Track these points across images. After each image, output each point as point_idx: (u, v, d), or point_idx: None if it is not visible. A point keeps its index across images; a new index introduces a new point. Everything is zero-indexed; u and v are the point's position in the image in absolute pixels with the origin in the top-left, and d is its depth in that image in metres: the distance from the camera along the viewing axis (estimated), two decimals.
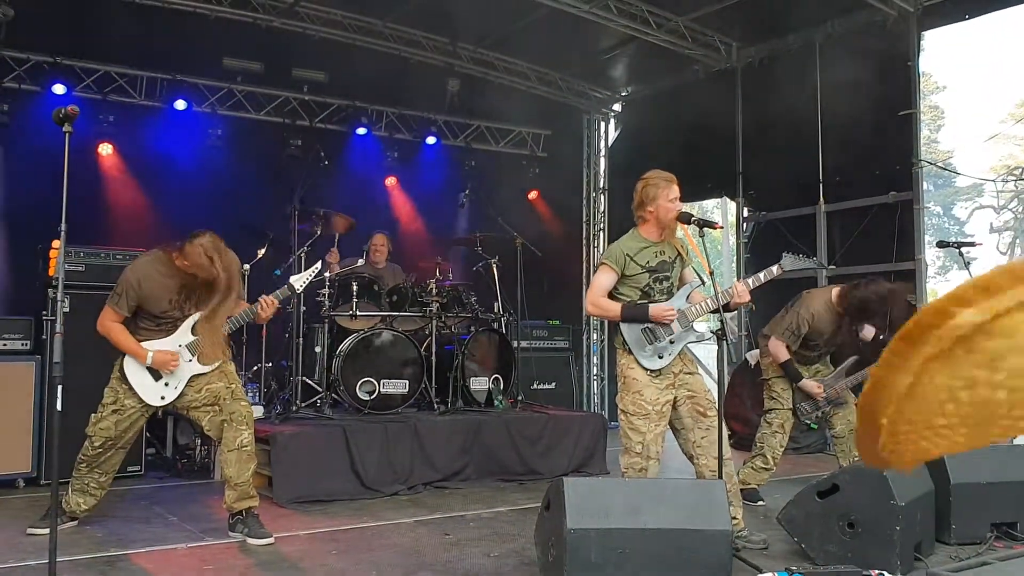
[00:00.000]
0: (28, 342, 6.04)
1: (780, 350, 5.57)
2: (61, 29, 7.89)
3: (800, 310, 5.57)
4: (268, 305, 4.75)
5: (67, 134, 3.48)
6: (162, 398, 4.67)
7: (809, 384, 5.59)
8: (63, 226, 3.44)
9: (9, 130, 7.76)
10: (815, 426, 5.54)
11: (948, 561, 4.28)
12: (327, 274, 7.13)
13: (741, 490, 5.63)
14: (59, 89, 7.95)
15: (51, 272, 3.66)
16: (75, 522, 4.83)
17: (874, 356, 4.85)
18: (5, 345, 5.97)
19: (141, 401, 4.64)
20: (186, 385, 4.70)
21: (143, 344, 4.63)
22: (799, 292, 5.91)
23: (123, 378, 4.63)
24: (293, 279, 4.92)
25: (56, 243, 3.59)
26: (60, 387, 3.34)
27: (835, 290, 5.59)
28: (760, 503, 5.72)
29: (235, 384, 4.81)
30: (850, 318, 5.44)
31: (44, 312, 5.92)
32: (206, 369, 4.71)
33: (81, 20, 7.88)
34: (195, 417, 4.81)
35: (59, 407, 3.31)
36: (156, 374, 4.64)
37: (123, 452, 4.87)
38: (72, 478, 4.78)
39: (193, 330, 4.70)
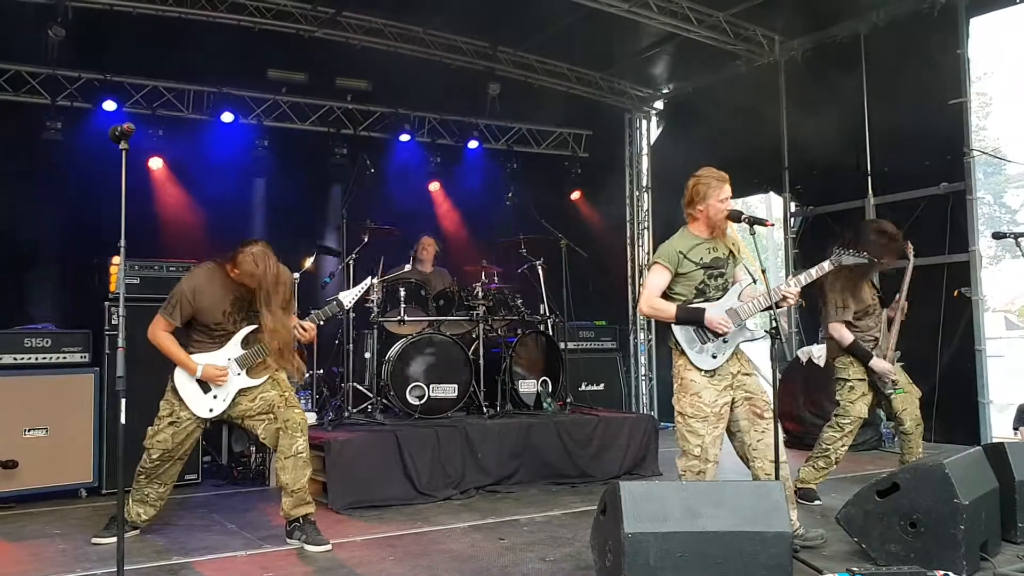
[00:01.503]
0: (87, 354, 6.18)
1: (843, 333, 5.54)
2: (110, 47, 8.07)
3: (830, 292, 5.56)
4: (307, 330, 4.79)
5: (124, 151, 3.54)
6: (210, 410, 4.72)
7: (880, 364, 5.55)
8: (123, 242, 3.51)
9: (62, 147, 7.94)
10: (899, 391, 5.56)
11: (1016, 560, 4.18)
12: (374, 281, 7.19)
13: (799, 489, 5.63)
14: (110, 105, 8.12)
15: (112, 288, 3.74)
16: (136, 531, 4.89)
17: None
18: (64, 358, 6.10)
19: (199, 422, 4.74)
20: (239, 394, 4.74)
21: (194, 356, 4.69)
22: None
23: (176, 390, 4.70)
24: (342, 295, 4.93)
25: (116, 259, 3.66)
26: (124, 400, 3.40)
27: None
28: (817, 503, 5.65)
29: (288, 392, 4.83)
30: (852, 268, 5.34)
31: (103, 325, 6.07)
32: (255, 383, 4.75)
33: (129, 37, 8.05)
34: (250, 426, 4.85)
35: (123, 420, 3.38)
36: (205, 386, 4.70)
37: (181, 463, 4.91)
38: (132, 489, 4.83)
39: (244, 343, 4.74)
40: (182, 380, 4.69)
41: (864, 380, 5.62)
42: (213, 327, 4.73)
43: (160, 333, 4.66)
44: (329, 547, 4.62)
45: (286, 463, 4.67)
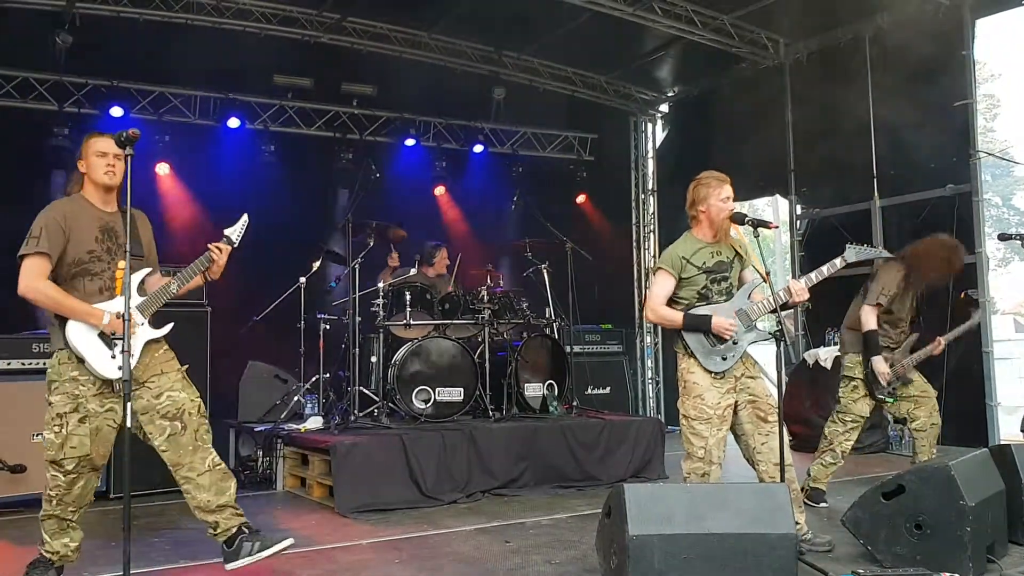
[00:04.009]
0: None
1: (871, 317, 5.59)
2: (117, 53, 8.12)
3: (884, 275, 5.62)
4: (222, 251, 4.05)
5: (128, 157, 3.57)
6: (119, 368, 3.62)
7: (880, 364, 5.59)
8: (127, 246, 3.54)
9: (70, 153, 7.97)
10: (892, 399, 5.58)
11: (1023, 563, 4.17)
12: (380, 284, 7.22)
13: (809, 489, 5.71)
14: (116, 111, 8.19)
15: (117, 292, 3.72)
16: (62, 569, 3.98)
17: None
18: None
19: (101, 403, 3.79)
20: (143, 386, 3.88)
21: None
22: (859, 287, 5.85)
23: (75, 361, 3.75)
24: (227, 231, 4.21)
25: (120, 263, 3.66)
26: (129, 404, 3.42)
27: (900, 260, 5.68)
28: (823, 504, 5.67)
29: (198, 397, 4.02)
30: (912, 272, 5.56)
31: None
32: (160, 333, 3.95)
33: (135, 44, 8.10)
34: (148, 431, 3.90)
35: (128, 423, 3.39)
36: (108, 342, 3.76)
37: (97, 476, 3.92)
38: (47, 519, 3.92)
39: (140, 288, 3.93)
40: (80, 338, 3.71)
41: (867, 382, 5.65)
42: (89, 261, 3.80)
43: (41, 282, 3.68)
44: (291, 540, 4.04)
45: (201, 480, 3.90)
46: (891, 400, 5.65)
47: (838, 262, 4.55)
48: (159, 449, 3.92)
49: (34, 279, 3.71)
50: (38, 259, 3.71)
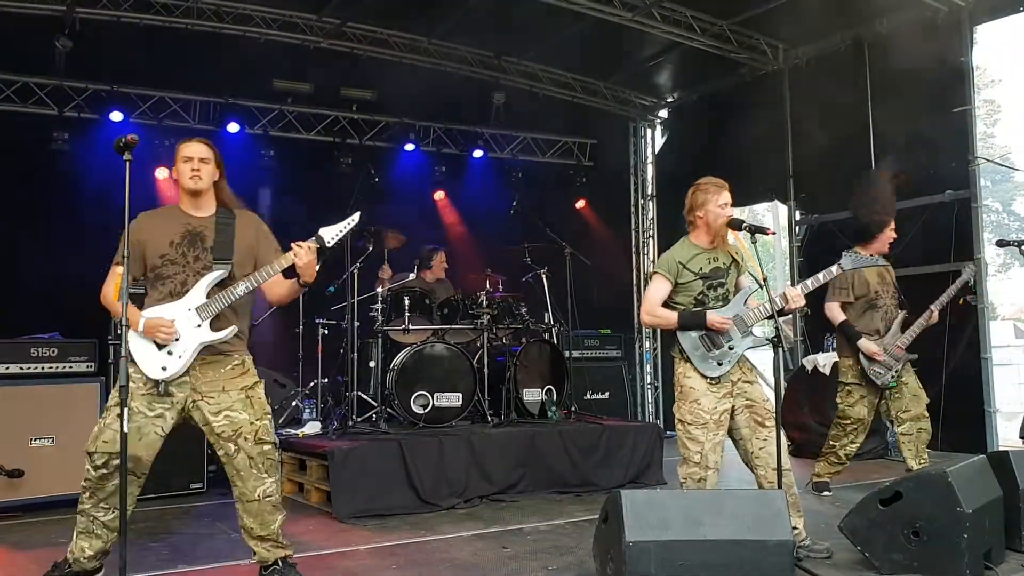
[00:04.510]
0: (93, 364, 6.22)
1: (835, 312, 5.77)
2: (117, 58, 8.14)
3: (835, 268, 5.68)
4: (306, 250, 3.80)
5: (127, 162, 3.56)
6: (163, 368, 3.72)
7: (867, 344, 5.70)
8: (126, 250, 3.53)
9: (70, 157, 8.01)
10: (894, 383, 5.74)
11: (1020, 570, 4.16)
12: (379, 289, 7.22)
13: (814, 482, 5.94)
14: (116, 116, 8.21)
15: (115, 297, 3.71)
16: None
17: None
18: (70, 367, 6.15)
19: (150, 405, 3.75)
20: (200, 395, 3.80)
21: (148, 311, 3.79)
22: None
23: (133, 362, 3.73)
24: (323, 231, 3.92)
25: (118, 268, 3.65)
26: (127, 409, 3.41)
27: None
28: (826, 494, 5.91)
29: (261, 419, 3.88)
30: (862, 240, 5.81)
31: (109, 336, 6.11)
32: (217, 336, 3.79)
33: (135, 49, 8.11)
34: (210, 439, 3.93)
35: (125, 429, 3.39)
36: (160, 345, 3.76)
37: (135, 482, 3.78)
38: (77, 516, 3.86)
39: (208, 293, 3.82)
40: (133, 339, 3.74)
41: (862, 384, 5.75)
42: (162, 266, 3.81)
43: (106, 288, 3.85)
44: None
45: (249, 507, 3.85)
46: (893, 384, 5.71)
47: (834, 269, 4.57)
48: (221, 462, 3.93)
49: (105, 285, 3.90)
50: (113, 268, 3.88)
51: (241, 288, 3.81)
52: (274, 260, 3.88)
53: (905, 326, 5.82)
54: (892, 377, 5.74)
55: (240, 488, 3.86)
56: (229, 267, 3.86)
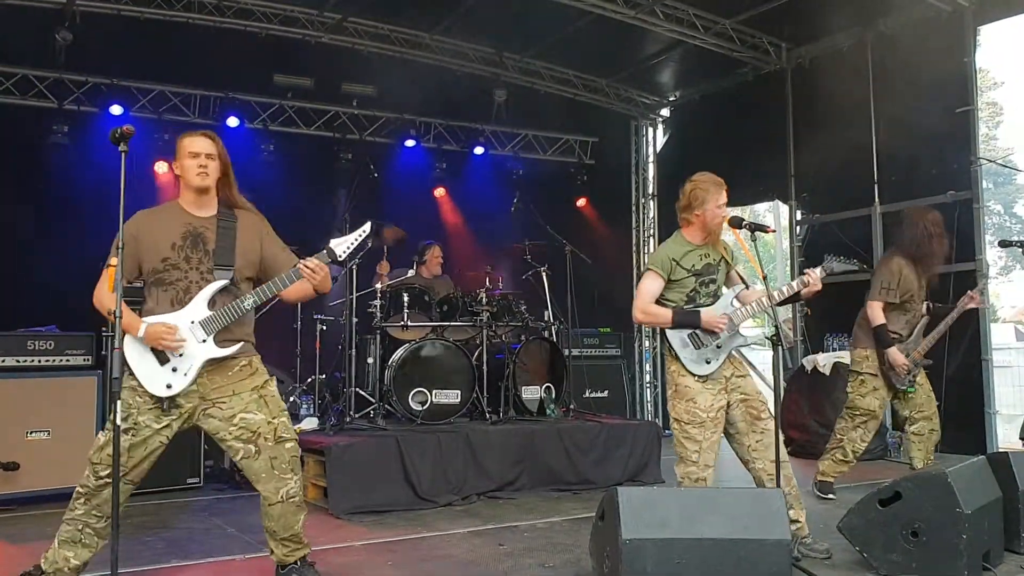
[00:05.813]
0: (90, 357, 6.20)
1: (877, 312, 5.64)
2: (117, 51, 8.12)
3: (882, 269, 5.71)
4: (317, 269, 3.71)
5: (123, 153, 3.52)
6: (168, 387, 3.59)
7: (896, 355, 5.62)
8: (121, 243, 3.50)
9: (69, 150, 7.98)
10: (911, 388, 5.73)
11: (1018, 571, 4.14)
12: (377, 285, 7.20)
13: (818, 482, 5.84)
14: (116, 109, 8.18)
15: (110, 289, 3.65)
16: None
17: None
18: (67, 360, 6.13)
19: (158, 418, 3.63)
20: (209, 403, 3.70)
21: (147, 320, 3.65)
22: (855, 294, 5.85)
23: (131, 373, 3.61)
24: (333, 242, 3.82)
25: (113, 260, 3.60)
26: (119, 402, 3.39)
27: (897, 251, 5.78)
28: (831, 496, 5.80)
29: (278, 417, 3.76)
30: (918, 258, 5.66)
31: (104, 328, 6.08)
32: (224, 352, 3.66)
33: (135, 42, 8.09)
34: (226, 448, 3.82)
35: (119, 422, 3.37)
36: (162, 357, 3.61)
37: (130, 488, 3.69)
38: (63, 523, 3.71)
39: (211, 303, 3.67)
40: (133, 353, 3.59)
41: (877, 376, 5.70)
42: (163, 271, 3.66)
43: (99, 291, 3.64)
44: None
45: (271, 510, 3.75)
46: (911, 389, 5.68)
47: (817, 272, 4.45)
48: (239, 465, 3.82)
49: (97, 288, 3.66)
50: (106, 270, 3.59)
51: (248, 303, 3.69)
52: (283, 261, 3.81)
53: (926, 332, 5.79)
54: (910, 382, 5.71)
55: (261, 491, 3.76)
56: (231, 274, 3.73)
